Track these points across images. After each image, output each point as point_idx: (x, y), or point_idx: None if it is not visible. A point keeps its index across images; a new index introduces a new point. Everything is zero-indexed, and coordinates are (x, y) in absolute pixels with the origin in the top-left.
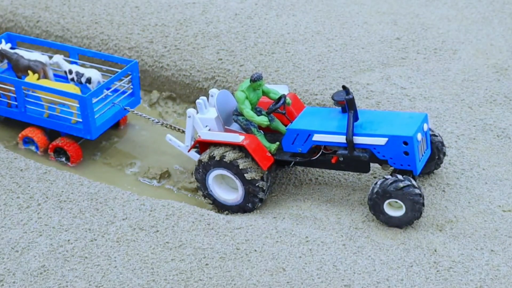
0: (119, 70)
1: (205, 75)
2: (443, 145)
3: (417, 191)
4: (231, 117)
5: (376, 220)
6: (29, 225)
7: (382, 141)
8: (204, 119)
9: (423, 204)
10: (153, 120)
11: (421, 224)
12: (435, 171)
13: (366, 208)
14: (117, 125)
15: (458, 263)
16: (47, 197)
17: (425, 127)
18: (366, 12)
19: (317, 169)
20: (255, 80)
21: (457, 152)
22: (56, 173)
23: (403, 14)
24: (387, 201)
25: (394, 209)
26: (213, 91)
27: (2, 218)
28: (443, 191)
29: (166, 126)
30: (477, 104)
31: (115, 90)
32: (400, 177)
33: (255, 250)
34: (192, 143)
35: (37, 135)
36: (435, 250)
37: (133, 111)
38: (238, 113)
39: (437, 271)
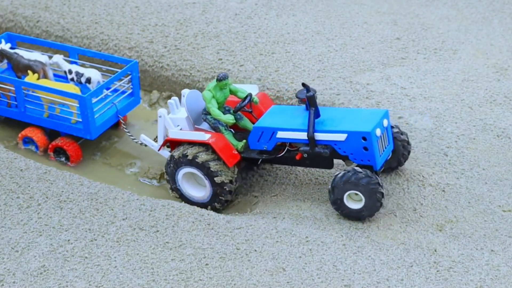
0: (119, 70)
1: (205, 75)
2: (408, 143)
3: (380, 188)
4: (201, 116)
5: (376, 220)
6: (29, 225)
7: (342, 137)
8: (175, 119)
9: (382, 194)
10: (130, 135)
11: (421, 224)
12: (400, 167)
13: None
14: (117, 125)
15: (458, 263)
16: (47, 197)
17: (385, 122)
18: (366, 12)
19: (317, 169)
20: (221, 79)
21: (457, 152)
22: (56, 173)
23: (403, 14)
24: (346, 194)
25: (355, 201)
26: (184, 91)
27: (2, 218)
28: (443, 191)
29: (140, 144)
30: (477, 104)
31: (115, 90)
32: (348, 169)
33: (255, 250)
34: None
35: (37, 135)
36: (435, 250)
37: (124, 125)
38: (207, 112)
39: (437, 271)
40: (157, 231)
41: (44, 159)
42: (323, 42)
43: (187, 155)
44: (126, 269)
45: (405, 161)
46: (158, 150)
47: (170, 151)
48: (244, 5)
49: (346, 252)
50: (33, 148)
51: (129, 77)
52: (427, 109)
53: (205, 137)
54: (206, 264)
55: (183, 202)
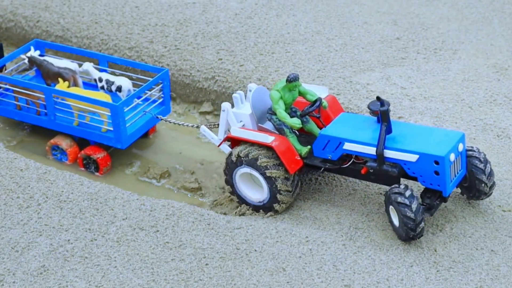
0: (149, 78)
1: (205, 75)
2: (483, 172)
3: (408, 212)
4: (266, 115)
5: (376, 220)
6: (29, 225)
7: (413, 157)
8: (239, 114)
9: (412, 229)
10: (186, 125)
11: None
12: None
13: (366, 208)
14: (146, 134)
15: (458, 263)
16: (47, 197)
17: (461, 147)
18: (366, 12)
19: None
20: (291, 81)
21: None
22: (56, 173)
23: (403, 14)
24: (390, 207)
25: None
26: (251, 86)
27: (2, 218)
28: None
29: (198, 127)
30: (477, 104)
31: (146, 99)
32: (407, 190)
33: (255, 250)
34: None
35: (67, 144)
36: (435, 250)
37: (165, 119)
38: (272, 112)
39: (437, 271)
40: (157, 231)
41: (44, 159)
42: (323, 42)
43: (247, 155)
44: (126, 269)
45: (485, 195)
46: (218, 145)
47: (231, 147)
48: (244, 5)
49: (346, 252)
50: (51, 157)
51: (161, 85)
52: (427, 109)
53: (268, 139)
54: (206, 264)
55: (243, 203)
